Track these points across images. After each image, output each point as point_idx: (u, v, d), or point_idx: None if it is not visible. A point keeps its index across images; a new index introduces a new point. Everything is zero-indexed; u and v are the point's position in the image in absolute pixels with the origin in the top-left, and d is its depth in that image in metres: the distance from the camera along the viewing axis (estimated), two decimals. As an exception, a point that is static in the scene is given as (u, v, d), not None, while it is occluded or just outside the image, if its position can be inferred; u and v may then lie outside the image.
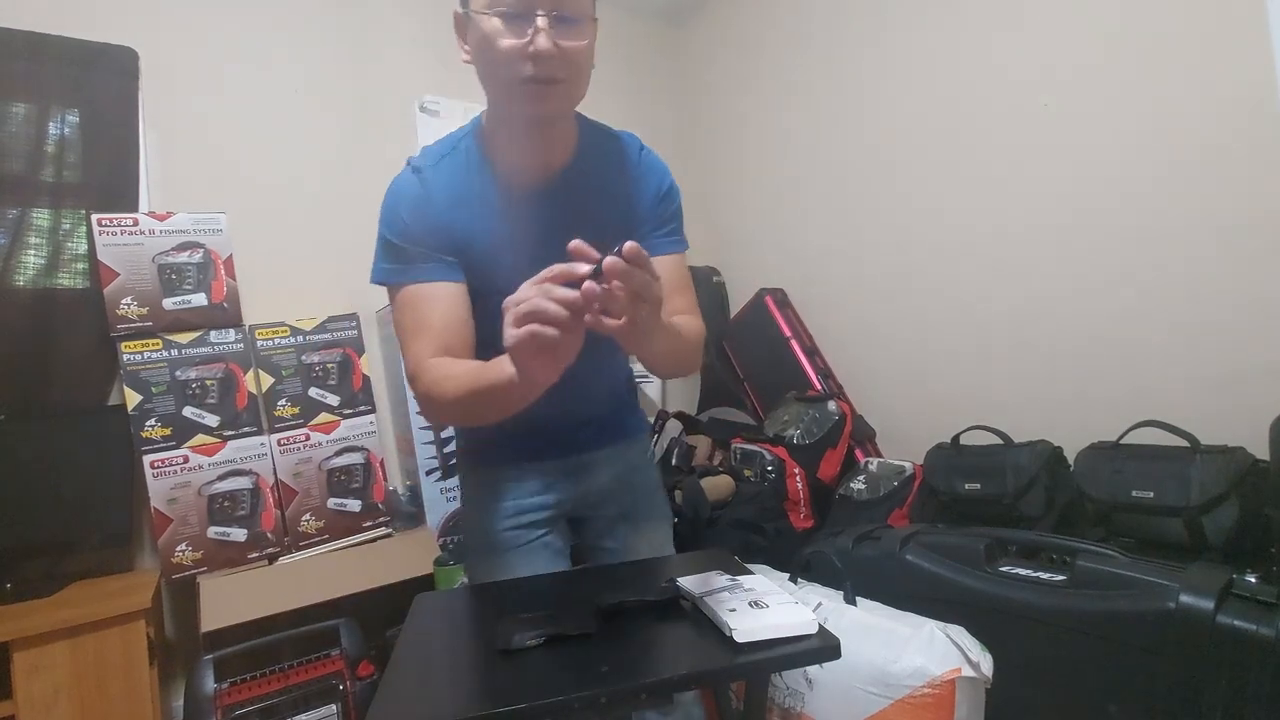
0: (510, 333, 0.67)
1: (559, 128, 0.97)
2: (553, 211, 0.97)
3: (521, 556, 1.11)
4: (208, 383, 1.88)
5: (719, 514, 2.04)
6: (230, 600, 1.68)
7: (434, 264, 0.94)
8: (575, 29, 0.86)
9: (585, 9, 0.87)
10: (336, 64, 2.33)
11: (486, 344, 0.91)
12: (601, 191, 1.01)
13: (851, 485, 2.11)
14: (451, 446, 2.19)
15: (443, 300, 0.94)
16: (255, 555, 1.86)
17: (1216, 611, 1.09)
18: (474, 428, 1.17)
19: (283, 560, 1.89)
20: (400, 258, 0.95)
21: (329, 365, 2.07)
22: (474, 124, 1.02)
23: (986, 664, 1.17)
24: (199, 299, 1.90)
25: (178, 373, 1.84)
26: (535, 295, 0.66)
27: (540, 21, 0.83)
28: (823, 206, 2.57)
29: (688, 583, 0.90)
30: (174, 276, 1.87)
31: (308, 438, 1.98)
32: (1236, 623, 1.08)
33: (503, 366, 0.77)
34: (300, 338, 2.05)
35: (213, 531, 1.82)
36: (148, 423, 1.79)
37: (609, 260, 0.65)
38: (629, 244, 0.65)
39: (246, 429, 1.91)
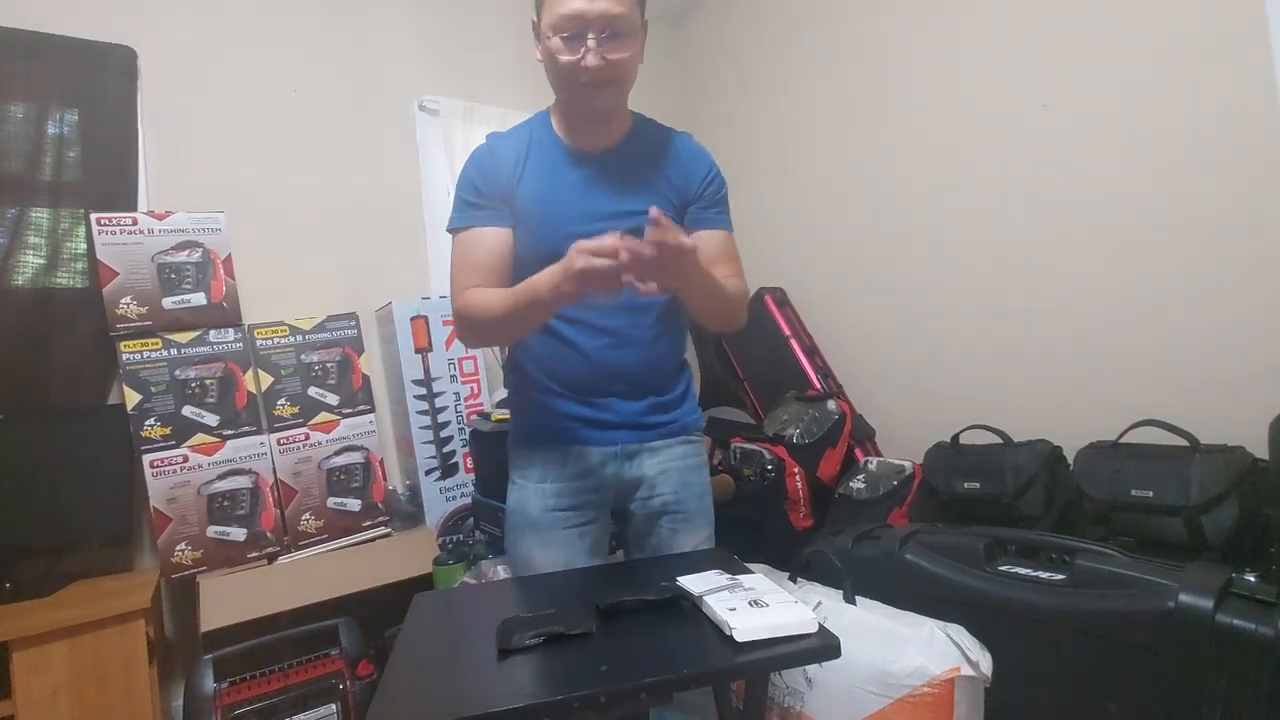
0: (583, 259, 0.87)
1: (613, 118, 1.15)
2: (598, 171, 1.13)
3: (557, 540, 1.13)
4: (207, 382, 1.88)
5: (719, 513, 2.04)
6: (230, 600, 1.68)
7: (487, 212, 1.12)
8: (621, 42, 1.04)
9: (632, 24, 1.05)
10: (336, 64, 2.33)
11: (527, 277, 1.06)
12: (648, 162, 1.15)
13: (851, 484, 2.11)
14: (451, 446, 2.19)
15: (487, 242, 1.11)
16: (255, 555, 1.86)
17: (1216, 611, 1.10)
18: (522, 409, 1.19)
19: (282, 560, 1.89)
20: (463, 208, 1.14)
21: (328, 364, 2.07)
22: (545, 111, 1.19)
23: (986, 663, 1.17)
24: (198, 298, 1.89)
25: (177, 372, 1.84)
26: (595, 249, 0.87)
27: (591, 42, 1.02)
28: (822, 206, 2.57)
29: (688, 582, 0.90)
30: (173, 276, 1.87)
31: (307, 437, 1.98)
32: (1236, 622, 1.08)
33: (533, 283, 0.97)
34: (299, 337, 2.04)
35: (212, 531, 1.82)
36: (147, 422, 1.79)
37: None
38: (653, 209, 0.86)
39: (246, 428, 1.91)
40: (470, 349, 2.01)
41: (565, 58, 1.03)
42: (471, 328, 1.11)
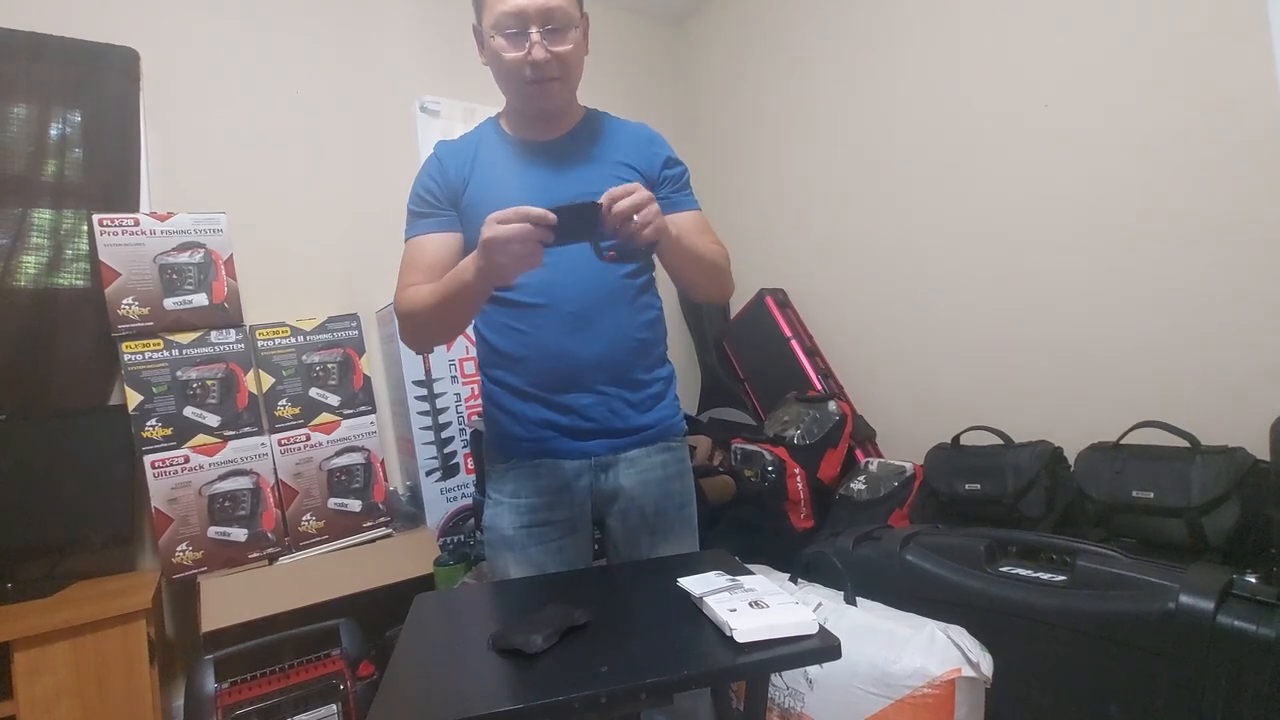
0: (490, 228, 0.86)
1: (563, 114, 1.16)
2: (548, 158, 1.13)
3: (533, 559, 1.11)
4: (208, 383, 1.88)
5: (719, 514, 2.05)
6: (231, 600, 1.68)
7: (432, 219, 1.13)
8: (564, 35, 1.04)
9: (572, 18, 1.05)
10: (336, 64, 2.33)
11: None
12: (599, 145, 1.15)
13: (852, 485, 2.11)
14: (451, 447, 2.19)
15: (431, 247, 1.11)
16: (256, 555, 1.86)
17: (1217, 612, 1.10)
18: (496, 420, 1.17)
19: (283, 560, 1.89)
20: (411, 220, 1.15)
21: (329, 365, 2.07)
22: (494, 117, 1.21)
23: (986, 664, 1.17)
24: (200, 299, 1.90)
25: (178, 373, 1.84)
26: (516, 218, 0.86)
27: (535, 36, 1.02)
28: (823, 206, 2.57)
29: (688, 583, 0.91)
30: (175, 277, 1.87)
31: (308, 438, 1.99)
32: (1236, 623, 1.08)
33: (461, 267, 0.97)
34: (300, 338, 2.05)
35: (213, 531, 1.82)
36: (148, 423, 1.79)
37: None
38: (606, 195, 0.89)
39: (247, 429, 1.91)
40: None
41: (510, 55, 1.04)
42: (408, 321, 1.08)
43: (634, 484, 1.14)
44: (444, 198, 1.13)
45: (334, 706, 1.52)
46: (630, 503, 1.14)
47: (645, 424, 1.15)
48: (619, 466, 1.13)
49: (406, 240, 1.14)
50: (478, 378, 2.28)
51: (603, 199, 0.88)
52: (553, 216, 0.85)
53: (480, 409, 2.22)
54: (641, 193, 0.90)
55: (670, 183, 1.18)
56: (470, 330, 1.21)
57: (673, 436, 1.19)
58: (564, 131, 1.15)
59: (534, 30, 1.02)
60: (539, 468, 1.12)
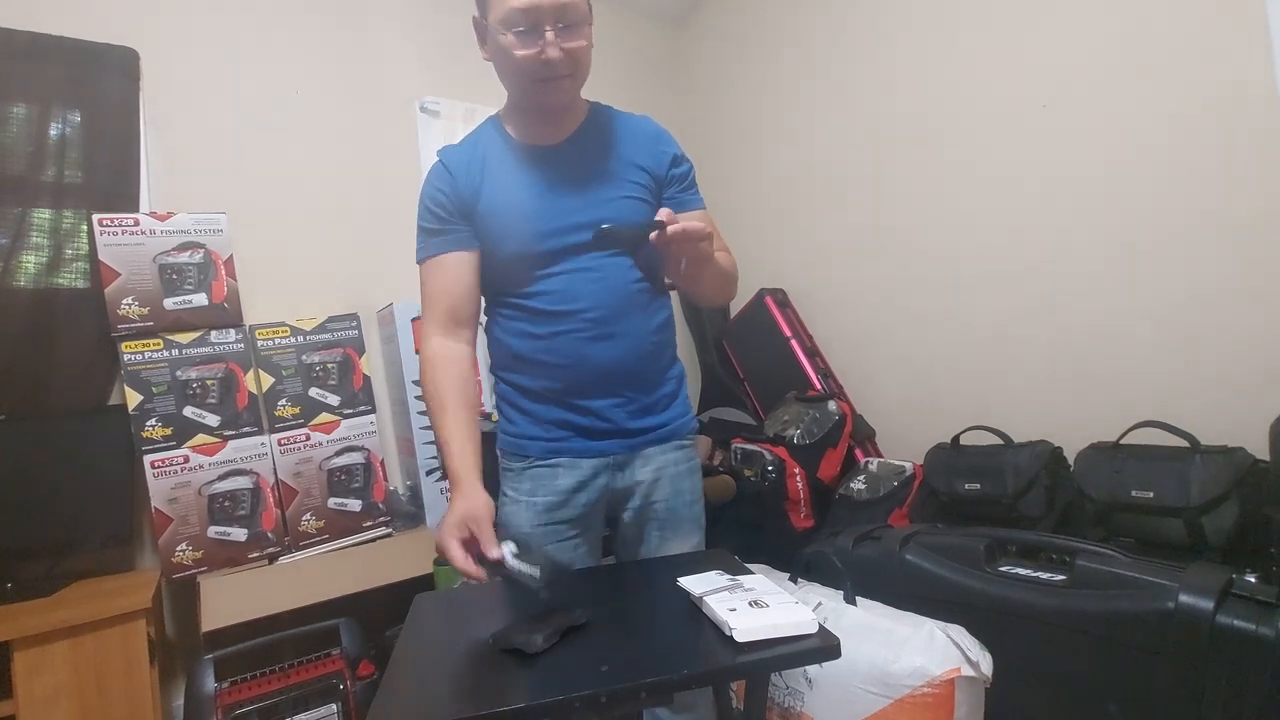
0: (449, 547, 0.93)
1: (568, 108, 1.13)
2: (559, 164, 1.11)
3: (548, 555, 1.12)
4: (208, 383, 1.88)
5: (719, 514, 2.05)
6: (230, 600, 1.68)
7: (443, 238, 1.11)
8: (576, 31, 1.02)
9: (584, 14, 1.03)
10: (337, 64, 2.33)
11: (498, 287, 1.14)
12: (608, 148, 1.14)
13: (852, 485, 2.11)
14: (452, 446, 2.19)
15: (448, 269, 1.11)
16: (255, 555, 1.86)
17: (1216, 611, 1.10)
18: (511, 419, 1.18)
19: (283, 560, 1.89)
20: (424, 237, 1.13)
21: (329, 365, 2.07)
22: (494, 116, 1.18)
23: (986, 664, 1.17)
24: (199, 299, 1.90)
25: (178, 373, 1.84)
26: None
27: (549, 35, 0.99)
28: (823, 206, 2.57)
29: (688, 583, 0.91)
30: (175, 276, 1.87)
31: (308, 438, 1.98)
32: (1236, 623, 1.08)
33: (446, 455, 1.06)
34: (300, 338, 2.05)
35: (213, 531, 1.82)
36: (148, 422, 1.79)
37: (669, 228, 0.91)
38: (663, 211, 0.92)
39: (247, 429, 1.91)
40: None
41: (521, 53, 1.00)
42: (423, 389, 1.13)
43: (648, 482, 1.15)
44: (455, 210, 1.11)
45: (334, 706, 1.52)
46: (644, 500, 1.16)
47: (659, 423, 1.16)
48: (634, 465, 1.14)
49: (421, 260, 1.13)
50: (479, 377, 2.29)
51: (664, 219, 0.91)
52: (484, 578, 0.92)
53: (480, 409, 2.23)
54: (703, 237, 0.94)
55: (677, 181, 1.18)
56: (480, 331, 1.21)
57: (685, 435, 1.21)
58: (570, 133, 1.13)
59: (548, 29, 0.99)
60: (556, 467, 1.13)
